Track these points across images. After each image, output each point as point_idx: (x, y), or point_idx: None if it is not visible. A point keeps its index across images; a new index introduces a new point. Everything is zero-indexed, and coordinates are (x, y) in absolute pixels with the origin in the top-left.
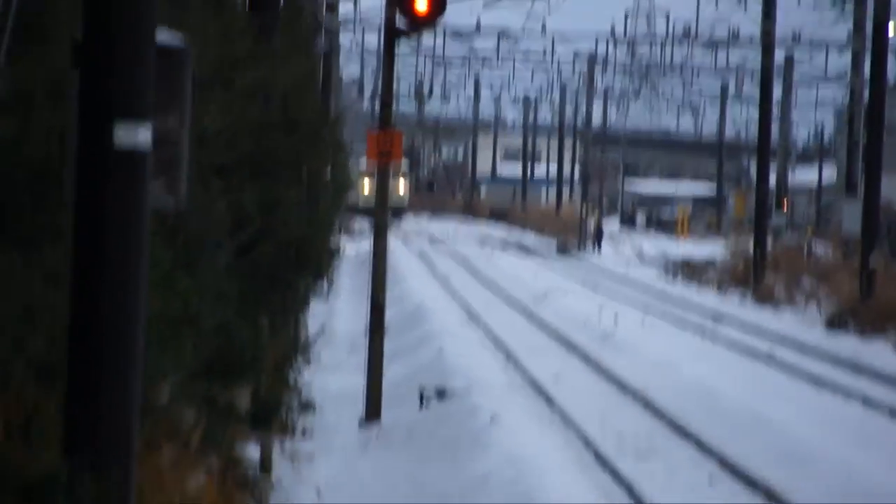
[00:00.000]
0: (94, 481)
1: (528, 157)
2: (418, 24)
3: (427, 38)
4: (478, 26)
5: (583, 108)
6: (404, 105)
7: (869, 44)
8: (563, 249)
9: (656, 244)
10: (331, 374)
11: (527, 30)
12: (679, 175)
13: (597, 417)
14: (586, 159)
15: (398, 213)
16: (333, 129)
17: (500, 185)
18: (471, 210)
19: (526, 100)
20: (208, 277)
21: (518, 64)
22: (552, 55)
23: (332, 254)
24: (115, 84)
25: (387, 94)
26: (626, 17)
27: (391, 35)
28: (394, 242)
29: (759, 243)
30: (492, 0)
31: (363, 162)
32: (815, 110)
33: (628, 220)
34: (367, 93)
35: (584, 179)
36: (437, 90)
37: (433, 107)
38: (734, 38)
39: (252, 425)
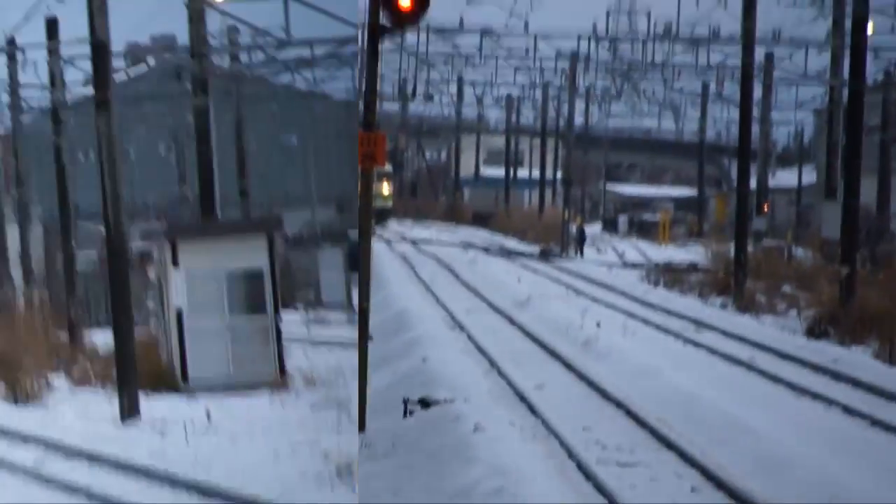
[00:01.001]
0: None
1: (510, 158)
2: (402, 21)
3: (410, 36)
4: (461, 24)
5: (565, 108)
6: (388, 105)
7: (848, 40)
8: (545, 254)
9: (638, 249)
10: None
11: (509, 27)
12: (661, 176)
13: (579, 426)
14: (568, 162)
15: (383, 216)
16: None
17: (482, 188)
18: (454, 213)
19: (508, 98)
20: None
21: (501, 61)
22: (534, 53)
23: None
24: None
25: (371, 96)
26: (607, 15)
27: (375, 32)
28: (377, 246)
29: (741, 249)
30: None
31: None
32: (795, 111)
33: (610, 224)
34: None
35: (567, 183)
36: (420, 89)
37: (416, 107)
38: (715, 36)
39: None
